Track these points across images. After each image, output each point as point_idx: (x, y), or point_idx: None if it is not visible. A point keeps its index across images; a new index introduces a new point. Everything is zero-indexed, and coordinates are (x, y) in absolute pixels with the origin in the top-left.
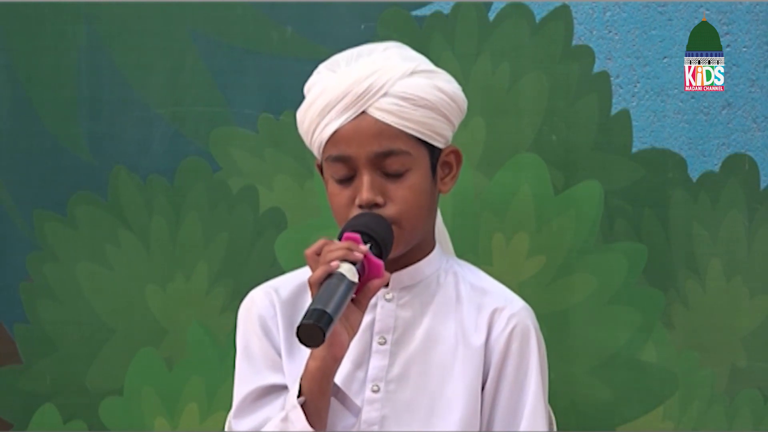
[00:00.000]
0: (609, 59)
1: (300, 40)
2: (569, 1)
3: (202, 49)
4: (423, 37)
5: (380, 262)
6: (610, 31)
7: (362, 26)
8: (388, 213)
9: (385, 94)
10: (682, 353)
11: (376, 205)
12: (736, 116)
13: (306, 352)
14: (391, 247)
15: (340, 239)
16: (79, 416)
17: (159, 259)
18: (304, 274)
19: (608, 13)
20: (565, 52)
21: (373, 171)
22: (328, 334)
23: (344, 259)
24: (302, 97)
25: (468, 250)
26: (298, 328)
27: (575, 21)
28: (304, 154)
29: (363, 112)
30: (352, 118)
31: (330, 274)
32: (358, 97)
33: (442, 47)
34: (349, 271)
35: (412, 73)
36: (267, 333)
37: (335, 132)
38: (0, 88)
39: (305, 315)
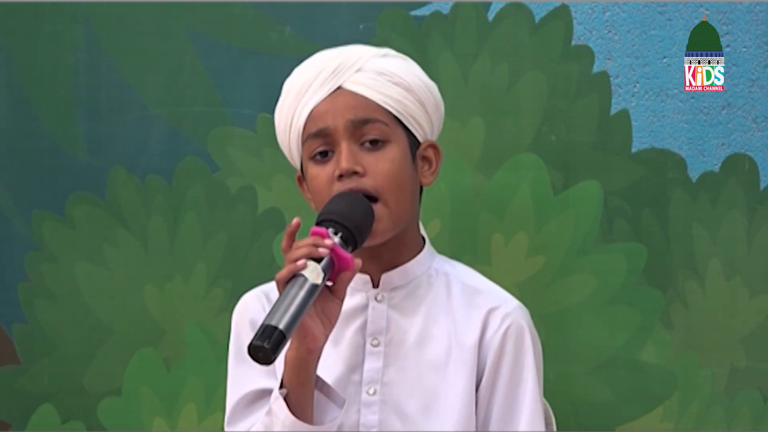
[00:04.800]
0: (608, 59)
1: (299, 40)
2: (569, 1)
3: (201, 49)
4: (422, 37)
5: (348, 256)
6: (609, 31)
7: (361, 26)
8: (368, 184)
9: (359, 70)
10: (682, 353)
11: (356, 174)
12: (736, 116)
13: None
14: (368, 231)
15: (318, 224)
16: (77, 416)
17: (157, 259)
18: None
19: (608, 13)
20: (564, 52)
21: (351, 142)
22: (279, 352)
23: (310, 257)
24: None
25: (467, 251)
26: (249, 346)
27: (575, 21)
28: None
29: (339, 87)
30: (327, 93)
31: (295, 275)
32: (332, 72)
33: (441, 47)
34: (312, 271)
35: (385, 54)
36: None
37: (312, 110)
38: None
39: (257, 332)
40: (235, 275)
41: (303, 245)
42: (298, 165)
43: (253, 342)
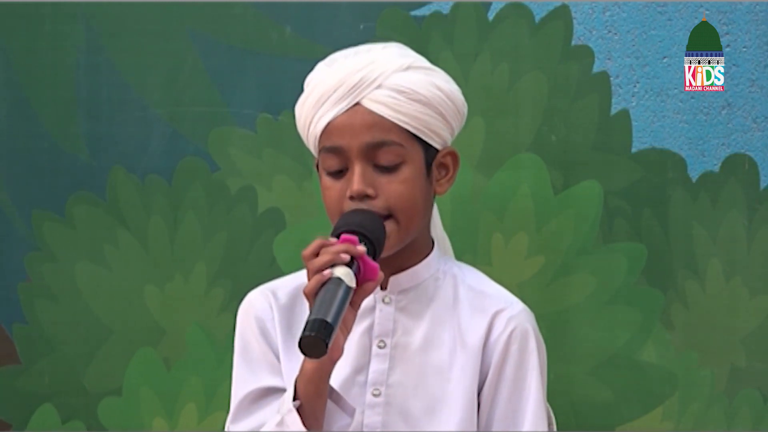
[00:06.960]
0: (609, 59)
1: (299, 40)
2: (569, 1)
3: (201, 49)
4: (422, 37)
5: (376, 265)
6: (609, 31)
7: (361, 26)
8: (379, 206)
9: (379, 86)
10: (682, 353)
11: (368, 197)
12: (735, 116)
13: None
14: (383, 245)
15: (337, 237)
16: (77, 416)
17: (157, 259)
18: (302, 276)
19: (608, 13)
20: (564, 52)
21: (365, 163)
22: (330, 344)
23: (340, 263)
24: None
25: (467, 251)
26: (300, 339)
27: (575, 21)
28: (302, 154)
29: (357, 104)
30: (345, 109)
31: (325, 282)
32: (352, 88)
33: (441, 47)
34: (346, 275)
35: (408, 67)
36: (265, 335)
37: (328, 123)
38: None
39: (306, 326)
40: (236, 275)
41: (331, 251)
42: (317, 158)
43: (304, 334)
